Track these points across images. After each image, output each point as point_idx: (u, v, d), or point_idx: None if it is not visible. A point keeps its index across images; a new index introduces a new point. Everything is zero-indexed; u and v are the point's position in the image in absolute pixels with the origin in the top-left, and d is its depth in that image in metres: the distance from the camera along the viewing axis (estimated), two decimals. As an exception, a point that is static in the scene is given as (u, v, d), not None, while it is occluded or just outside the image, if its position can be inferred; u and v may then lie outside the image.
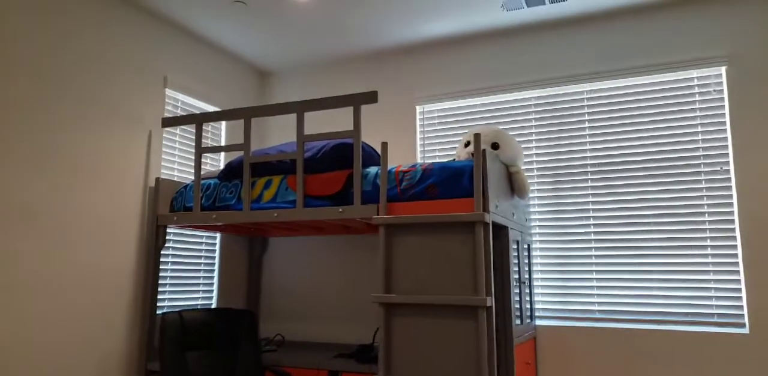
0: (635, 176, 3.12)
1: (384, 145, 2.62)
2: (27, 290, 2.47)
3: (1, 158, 2.40)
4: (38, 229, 2.53)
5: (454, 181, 2.50)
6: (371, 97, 2.68)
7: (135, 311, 2.96)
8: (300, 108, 2.80)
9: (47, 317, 2.54)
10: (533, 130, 3.38)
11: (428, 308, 2.36)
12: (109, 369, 2.79)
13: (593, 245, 3.15)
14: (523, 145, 3.38)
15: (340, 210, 2.65)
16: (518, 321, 2.78)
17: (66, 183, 2.67)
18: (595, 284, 3.11)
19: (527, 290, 3.04)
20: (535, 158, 3.35)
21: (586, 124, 3.27)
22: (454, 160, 2.74)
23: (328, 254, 3.67)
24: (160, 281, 3.15)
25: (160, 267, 3.16)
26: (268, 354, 3.05)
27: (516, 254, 2.85)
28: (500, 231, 2.69)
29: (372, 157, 2.88)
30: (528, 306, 3.03)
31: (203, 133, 3.61)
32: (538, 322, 3.16)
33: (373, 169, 2.69)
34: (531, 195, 3.31)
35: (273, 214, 2.77)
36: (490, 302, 2.27)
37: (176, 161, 3.36)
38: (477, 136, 2.49)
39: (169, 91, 3.31)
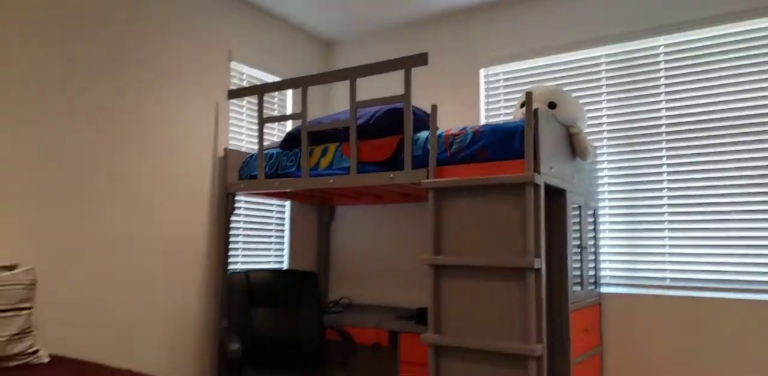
0: (715, 136, 2.88)
1: (434, 108, 2.60)
2: (113, 250, 2.71)
3: (89, 132, 2.63)
4: (122, 195, 2.76)
5: (504, 142, 2.44)
6: (421, 59, 2.65)
7: (209, 271, 3.17)
8: (352, 74, 2.82)
9: (131, 276, 2.79)
10: (603, 90, 3.20)
11: (477, 270, 2.35)
12: (187, 325, 3.02)
13: (666, 209, 2.96)
14: (592, 106, 3.21)
15: (391, 175, 2.67)
16: (578, 287, 2.70)
17: (145, 152, 2.88)
18: (667, 250, 2.94)
19: (591, 257, 2.93)
20: (605, 119, 3.18)
21: (662, 81, 3.04)
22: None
23: (392, 222, 3.72)
24: (232, 245, 3.35)
25: (232, 232, 3.35)
26: (332, 315, 3.17)
27: (578, 219, 2.75)
28: (557, 194, 2.60)
29: (425, 121, 2.87)
30: (591, 273, 2.92)
31: (270, 104, 3.74)
32: (604, 289, 3.04)
33: (424, 134, 2.68)
34: (600, 158, 3.16)
35: (329, 180, 2.84)
36: (539, 264, 2.22)
37: (244, 132, 3.51)
38: (529, 94, 2.40)
39: (234, 64, 3.45)
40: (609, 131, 3.16)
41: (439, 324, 2.41)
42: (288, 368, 2.86)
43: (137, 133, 2.86)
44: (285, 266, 3.71)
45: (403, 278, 3.64)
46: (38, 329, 2.39)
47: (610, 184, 3.12)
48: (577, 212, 2.75)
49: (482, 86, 3.58)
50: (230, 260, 3.30)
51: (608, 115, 3.17)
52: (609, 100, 3.18)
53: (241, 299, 2.89)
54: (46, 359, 2.11)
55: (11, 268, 2.24)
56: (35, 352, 2.09)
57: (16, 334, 2.03)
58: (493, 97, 3.55)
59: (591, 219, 2.98)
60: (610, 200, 3.11)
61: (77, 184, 2.60)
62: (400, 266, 3.66)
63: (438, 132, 2.62)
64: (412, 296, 3.59)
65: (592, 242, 2.96)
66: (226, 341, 2.64)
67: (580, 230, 2.77)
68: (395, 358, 3.36)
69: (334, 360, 3.42)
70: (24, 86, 2.43)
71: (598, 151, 3.16)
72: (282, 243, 3.72)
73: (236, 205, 3.37)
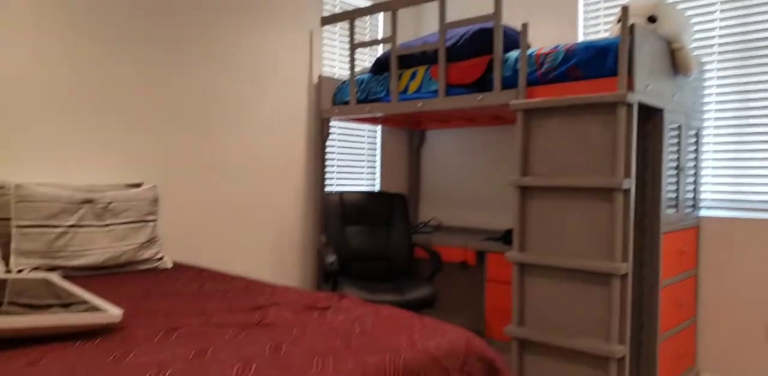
0: None
1: (524, 26, 2.52)
2: (222, 171, 2.97)
3: (196, 62, 2.82)
4: (229, 120, 2.98)
5: (597, 60, 2.35)
6: (511, -25, 2.55)
7: (308, 192, 3.39)
8: (440, -6, 2.77)
9: (239, 194, 3.05)
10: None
11: (564, 191, 2.36)
12: (290, 239, 3.30)
13: (780, 129, 2.75)
14: (703, 18, 2.96)
15: (479, 97, 2.66)
16: (672, 210, 2.63)
17: (245, 82, 3.06)
18: (778, 172, 2.76)
19: (690, 179, 2.82)
20: (717, 32, 2.92)
21: (788, -14, 2.73)
22: (604, 38, 2.54)
23: (483, 145, 3.73)
24: (327, 168, 3.53)
25: (327, 156, 3.52)
26: (422, 235, 3.32)
27: (676, 139, 2.63)
28: (654, 113, 2.50)
29: (516, 41, 2.79)
30: (690, 195, 2.82)
31: (362, 30, 3.76)
32: (704, 212, 2.93)
33: (514, 54, 2.62)
34: (708, 74, 2.94)
35: (417, 104, 2.88)
36: (628, 184, 2.19)
37: (336, 59, 3.58)
38: (625, 9, 2.27)
39: (325, -10, 3.48)
40: (720, 45, 2.91)
41: (524, 243, 2.47)
42: (379, 280, 3.08)
43: (238, 63, 3.03)
44: (376, 188, 3.87)
45: (492, 201, 3.69)
46: (161, 239, 2.72)
47: (718, 102, 2.93)
48: (675, 132, 2.63)
49: (581, 1, 3.38)
50: (326, 181, 3.49)
51: (721, 27, 2.91)
52: (723, 10, 2.91)
53: (336, 217, 3.11)
54: (169, 265, 2.42)
55: (137, 185, 2.54)
56: (161, 258, 2.40)
57: (145, 242, 2.33)
58: (592, 13, 3.35)
59: (692, 139, 2.83)
60: (717, 119, 2.93)
61: (188, 112, 2.83)
62: (490, 189, 3.70)
63: (528, 52, 2.56)
64: (501, 218, 3.65)
65: (692, 164, 2.84)
66: (323, 254, 2.87)
67: (678, 151, 2.66)
68: (481, 275, 3.49)
69: (421, 275, 3.61)
70: (136, 24, 2.63)
71: (707, 67, 2.95)
72: (374, 166, 3.86)
73: (331, 130, 3.51)
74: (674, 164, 2.64)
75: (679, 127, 2.66)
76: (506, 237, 3.01)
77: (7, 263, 2.08)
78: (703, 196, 2.97)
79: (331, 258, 2.80)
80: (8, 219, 2.13)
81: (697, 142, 2.87)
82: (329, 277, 2.80)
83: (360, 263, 3.14)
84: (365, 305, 1.76)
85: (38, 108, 2.35)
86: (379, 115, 3.13)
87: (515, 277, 2.48)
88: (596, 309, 2.26)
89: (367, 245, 3.16)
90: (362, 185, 3.79)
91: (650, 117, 2.52)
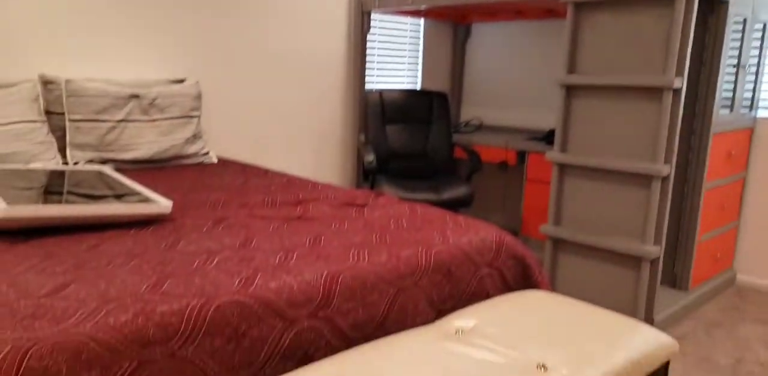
0: None
1: None
2: (264, 67, 2.96)
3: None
4: (268, 14, 2.91)
5: (662, -56, 2.13)
6: None
7: (347, 89, 3.37)
8: None
9: (281, 90, 3.06)
10: None
11: (610, 90, 2.27)
12: (329, 137, 3.34)
13: None
14: None
15: (529, -13, 2.50)
16: (726, 111, 2.52)
17: (278, -28, 2.94)
18: None
19: (750, 77, 2.66)
20: None
21: None
22: None
23: (530, 41, 3.55)
24: (368, 65, 3.46)
25: (368, 52, 3.44)
26: (462, 134, 3.30)
27: (739, 34, 2.45)
28: (717, 5, 2.31)
29: None
30: (747, 95, 2.68)
31: None
32: (762, 113, 2.80)
33: (569, -63, 2.40)
34: (787, -40, 2.66)
35: (462, -5, 2.73)
36: (679, 83, 2.09)
37: (378, -55, 3.37)
38: None
39: None
40: (807, -76, 2.59)
41: (566, 144, 2.44)
42: (417, 179, 3.13)
43: (273, -51, 2.89)
44: (418, 85, 3.80)
45: (537, 100, 3.59)
46: (206, 135, 2.80)
47: (793, -8, 2.67)
48: (739, 26, 2.44)
49: None
50: (366, 79, 3.44)
51: None
52: None
53: (376, 116, 3.10)
54: (215, 160, 2.51)
55: (180, 81, 2.56)
56: (206, 153, 2.48)
57: (190, 137, 2.41)
58: None
59: (758, 34, 2.63)
60: (790, 11, 2.69)
61: (227, 7, 2.77)
62: (536, 88, 3.59)
63: (585, -66, 2.34)
64: (545, 118, 3.57)
65: (754, 61, 2.66)
66: (362, 153, 2.91)
67: (740, 47, 2.48)
68: (520, 176, 3.50)
69: (460, 175, 3.65)
70: None
71: (787, -49, 2.65)
72: (416, 63, 3.76)
73: (371, 23, 3.39)
74: (734, 62, 2.48)
75: (744, 21, 2.46)
76: (549, 137, 2.97)
77: (63, 156, 2.19)
78: (763, 96, 2.81)
79: (370, 157, 2.84)
80: (62, 114, 2.21)
81: (762, 37, 2.67)
82: (368, 175, 2.86)
83: (399, 161, 3.18)
84: (401, 202, 1.81)
85: (82, 5, 2.34)
86: (422, 7, 2.99)
87: (554, 177, 2.48)
88: (634, 210, 2.27)
89: (406, 144, 3.18)
90: (403, 83, 3.72)
91: (712, 10, 2.33)
